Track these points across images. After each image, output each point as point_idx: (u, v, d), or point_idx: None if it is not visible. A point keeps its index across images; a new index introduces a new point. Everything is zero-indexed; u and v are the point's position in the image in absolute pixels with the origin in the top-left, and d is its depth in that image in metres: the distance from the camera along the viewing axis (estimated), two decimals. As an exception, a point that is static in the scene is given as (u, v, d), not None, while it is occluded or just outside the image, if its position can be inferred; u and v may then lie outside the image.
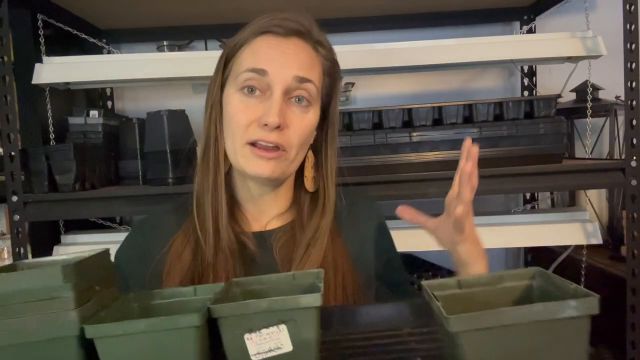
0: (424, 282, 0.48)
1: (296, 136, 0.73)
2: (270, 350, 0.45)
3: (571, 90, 1.51)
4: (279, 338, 0.45)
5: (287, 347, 0.46)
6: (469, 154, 0.69)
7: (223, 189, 0.75)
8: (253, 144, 0.72)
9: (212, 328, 0.47)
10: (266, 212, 0.81)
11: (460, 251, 0.73)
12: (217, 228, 0.75)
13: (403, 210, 0.75)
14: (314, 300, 0.45)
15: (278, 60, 0.72)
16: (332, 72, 0.79)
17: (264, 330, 0.45)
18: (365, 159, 1.21)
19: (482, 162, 1.19)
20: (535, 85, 1.67)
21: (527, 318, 0.39)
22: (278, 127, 0.71)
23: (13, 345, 0.44)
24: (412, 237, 1.07)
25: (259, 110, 0.71)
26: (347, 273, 0.78)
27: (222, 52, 0.78)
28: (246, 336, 0.45)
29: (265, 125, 0.70)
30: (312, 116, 0.75)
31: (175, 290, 0.54)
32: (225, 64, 0.76)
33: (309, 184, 0.80)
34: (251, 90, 0.72)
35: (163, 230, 0.80)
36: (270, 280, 0.55)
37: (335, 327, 0.59)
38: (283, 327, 0.45)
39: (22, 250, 1.22)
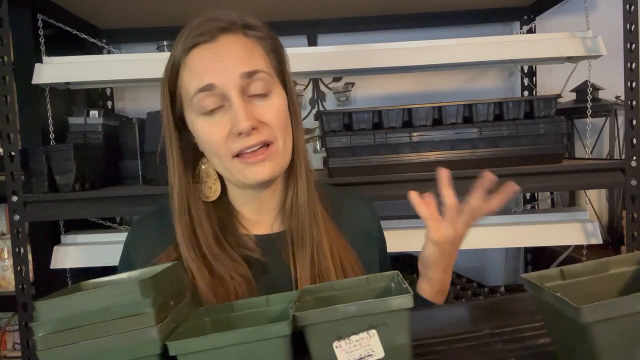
0: (524, 275, 0.45)
1: (274, 126, 0.72)
2: (361, 358, 0.43)
3: (571, 90, 1.51)
4: (369, 344, 0.43)
5: (379, 353, 0.43)
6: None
7: (203, 223, 0.74)
8: (238, 155, 0.71)
9: (295, 338, 0.44)
10: (268, 212, 0.81)
11: (436, 253, 0.75)
12: (209, 261, 0.73)
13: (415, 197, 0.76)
14: (406, 301, 0.42)
15: (217, 68, 0.70)
16: (273, 47, 0.77)
17: (353, 337, 0.43)
18: (365, 159, 1.21)
19: (482, 162, 1.20)
20: (535, 85, 1.67)
21: None
22: (254, 129, 0.70)
23: None
24: (412, 237, 1.07)
25: (228, 122, 0.70)
26: (345, 256, 0.78)
27: (162, 84, 0.75)
28: (335, 344, 0.43)
29: (240, 133, 0.69)
30: (277, 100, 0.74)
31: (247, 302, 0.53)
32: (171, 95, 0.75)
33: None
34: (212, 109, 0.71)
35: (154, 248, 0.78)
36: (342, 285, 0.53)
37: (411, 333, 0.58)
38: (373, 332, 0.43)
39: (22, 250, 1.22)
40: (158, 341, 0.42)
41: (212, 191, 0.77)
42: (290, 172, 0.78)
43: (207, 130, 0.71)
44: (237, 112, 0.69)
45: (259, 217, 0.81)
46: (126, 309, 0.42)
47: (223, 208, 0.79)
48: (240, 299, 0.71)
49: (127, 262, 0.79)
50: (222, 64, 0.70)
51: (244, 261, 0.75)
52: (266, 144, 0.71)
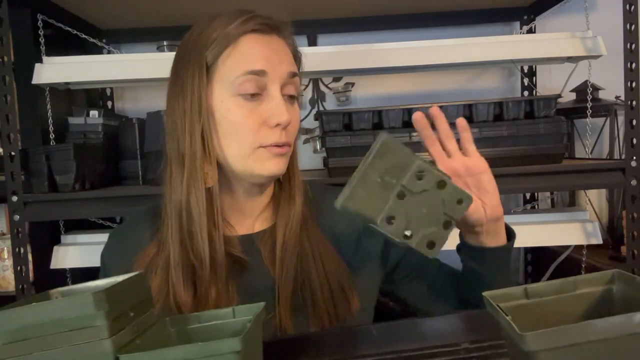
0: (485, 294, 0.43)
1: (295, 130, 0.75)
2: None
3: (571, 90, 1.52)
4: None
5: None
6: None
7: (211, 204, 0.72)
8: (266, 145, 0.71)
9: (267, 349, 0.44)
10: (251, 214, 0.80)
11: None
12: (214, 247, 0.72)
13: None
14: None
15: (272, 59, 0.71)
16: (299, 60, 0.80)
17: None
18: (365, 159, 1.21)
19: (482, 162, 1.20)
20: (535, 85, 1.67)
21: (617, 332, 0.34)
22: (287, 125, 0.72)
23: None
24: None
25: (264, 112, 0.71)
26: (326, 257, 0.77)
27: (193, 57, 0.72)
28: None
29: (277, 125, 0.70)
30: (298, 106, 0.77)
31: (213, 313, 0.53)
32: (207, 66, 0.72)
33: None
34: (253, 94, 0.71)
35: (138, 240, 0.78)
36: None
37: (383, 345, 0.57)
38: None
39: (22, 250, 1.22)
40: (111, 354, 0.42)
41: (209, 177, 0.74)
42: (288, 189, 0.79)
43: (242, 114, 0.71)
44: (280, 105, 0.71)
45: (240, 218, 0.80)
46: (79, 321, 0.42)
47: (212, 199, 0.77)
48: (215, 294, 0.71)
49: (104, 274, 0.80)
50: (275, 57, 0.72)
51: (224, 257, 0.74)
52: (287, 144, 0.74)
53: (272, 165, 0.72)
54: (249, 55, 0.71)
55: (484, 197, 0.71)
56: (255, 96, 0.71)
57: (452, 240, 0.79)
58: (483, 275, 0.75)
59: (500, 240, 0.74)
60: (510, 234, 0.76)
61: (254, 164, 0.72)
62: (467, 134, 0.72)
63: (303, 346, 0.60)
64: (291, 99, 0.75)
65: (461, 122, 0.72)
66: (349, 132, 1.21)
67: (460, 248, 0.79)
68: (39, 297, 0.49)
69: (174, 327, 0.51)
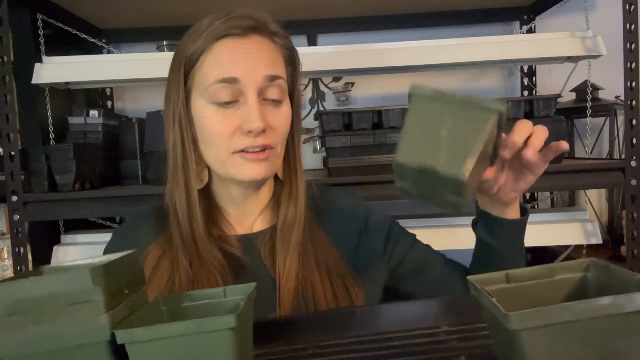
0: (470, 278, 0.45)
1: (280, 133, 0.73)
2: None
3: (571, 90, 1.51)
4: None
5: None
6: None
7: (198, 206, 0.74)
8: (240, 151, 0.71)
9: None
10: (250, 214, 0.80)
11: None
12: (197, 245, 0.74)
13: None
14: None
15: (245, 64, 0.70)
16: (292, 60, 0.78)
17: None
18: (365, 159, 1.21)
19: (482, 162, 1.21)
20: (535, 85, 1.67)
21: (596, 313, 0.37)
22: (263, 131, 0.70)
23: (41, 352, 0.42)
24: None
25: (238, 118, 0.70)
26: (330, 258, 0.77)
27: (176, 63, 0.75)
28: None
29: (250, 132, 0.69)
30: (287, 109, 0.75)
31: (205, 293, 0.53)
32: (185, 76, 0.74)
33: (280, 172, 0.79)
34: (228, 102, 0.71)
35: (141, 240, 0.78)
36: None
37: (365, 328, 0.58)
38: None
39: (22, 250, 1.22)
40: (107, 329, 0.42)
41: (200, 179, 0.76)
42: (290, 190, 0.78)
43: (216, 121, 0.71)
44: (252, 112, 0.69)
45: (240, 218, 0.80)
46: (76, 296, 0.42)
47: (208, 200, 0.79)
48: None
49: (111, 250, 0.79)
50: (250, 62, 0.70)
51: (223, 257, 0.75)
52: (268, 148, 0.72)
53: (250, 171, 0.71)
54: (219, 63, 0.70)
55: (508, 184, 0.69)
56: (230, 103, 0.71)
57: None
58: (496, 251, 0.76)
59: (512, 215, 0.75)
60: (525, 212, 0.77)
61: (232, 170, 0.72)
62: (559, 149, 0.67)
63: (288, 328, 0.60)
64: (275, 102, 0.73)
65: (564, 146, 0.67)
66: (349, 132, 1.21)
67: (475, 222, 0.79)
68: (30, 273, 0.49)
69: (166, 306, 0.52)
